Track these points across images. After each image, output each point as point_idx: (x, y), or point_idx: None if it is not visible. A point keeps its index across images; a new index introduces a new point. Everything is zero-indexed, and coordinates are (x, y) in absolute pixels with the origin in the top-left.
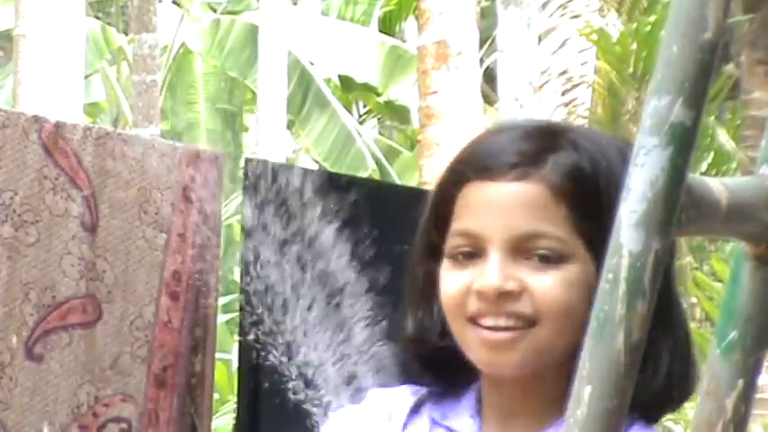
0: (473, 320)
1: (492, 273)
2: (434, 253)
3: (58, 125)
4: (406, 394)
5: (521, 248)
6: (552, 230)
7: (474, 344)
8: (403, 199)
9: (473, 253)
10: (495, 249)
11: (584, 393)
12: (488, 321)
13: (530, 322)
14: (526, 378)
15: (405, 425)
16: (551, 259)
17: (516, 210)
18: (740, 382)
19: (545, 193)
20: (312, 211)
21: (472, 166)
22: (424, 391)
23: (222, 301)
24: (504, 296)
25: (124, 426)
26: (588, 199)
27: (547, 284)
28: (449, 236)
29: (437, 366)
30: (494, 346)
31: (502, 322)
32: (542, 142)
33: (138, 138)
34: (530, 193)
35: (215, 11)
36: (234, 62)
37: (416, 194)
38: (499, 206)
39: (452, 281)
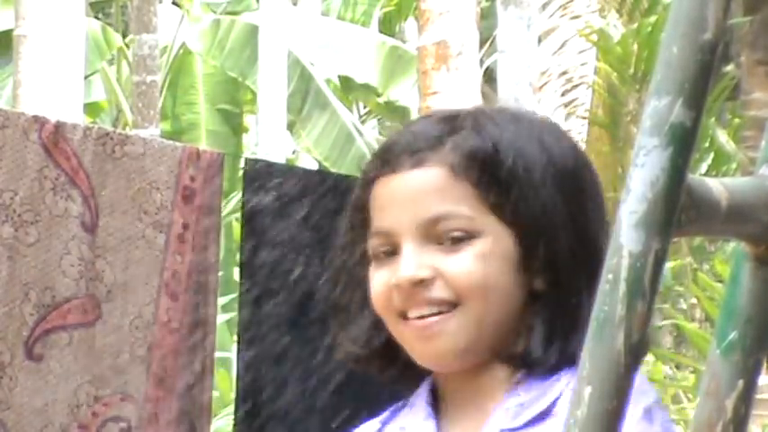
0: (402, 316)
1: (404, 265)
2: (364, 258)
3: (59, 125)
4: (373, 424)
5: (430, 234)
6: (457, 210)
7: (408, 339)
8: None
9: (392, 250)
10: (407, 241)
11: (585, 394)
12: (414, 313)
13: (452, 305)
14: (468, 368)
15: None
16: (462, 239)
17: (418, 197)
18: (740, 383)
19: (444, 175)
20: (312, 211)
21: (376, 163)
22: (386, 413)
23: (222, 301)
24: (419, 285)
25: (124, 425)
26: (493, 174)
27: (459, 264)
28: (369, 238)
29: (396, 372)
30: (424, 336)
31: (426, 311)
32: (441, 127)
33: (138, 138)
34: (428, 178)
35: (215, 11)
36: (234, 62)
37: None
38: (402, 197)
39: (377, 281)
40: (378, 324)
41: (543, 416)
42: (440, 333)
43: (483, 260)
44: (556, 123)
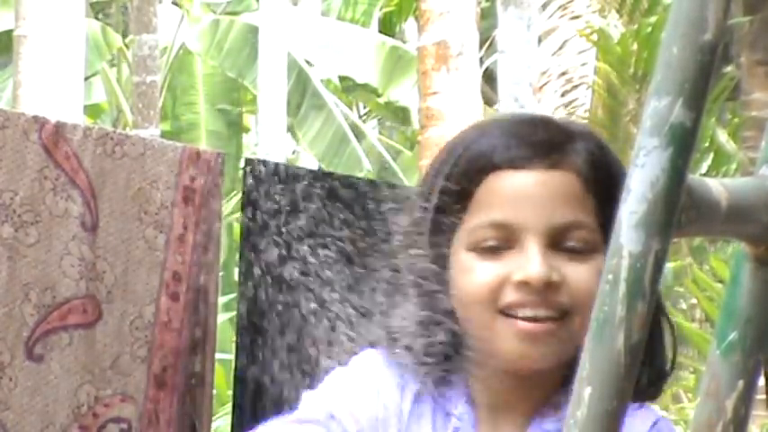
0: (505, 312)
1: (536, 263)
2: (440, 246)
3: (59, 126)
4: (393, 373)
5: (556, 239)
6: (587, 221)
7: (506, 335)
8: (401, 198)
9: (503, 245)
10: (534, 240)
11: (585, 394)
12: (527, 312)
13: (564, 314)
14: (532, 372)
15: (412, 404)
16: (584, 251)
17: (554, 199)
18: (740, 383)
19: (577, 182)
20: (313, 211)
21: (495, 156)
22: (414, 372)
23: (222, 300)
24: (548, 287)
25: (124, 426)
26: (608, 187)
27: (583, 276)
28: (470, 228)
29: (438, 356)
30: (530, 338)
31: (542, 313)
32: (558, 132)
33: (138, 138)
34: (565, 182)
35: (215, 11)
36: (233, 63)
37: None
38: (535, 195)
39: (483, 272)
40: (434, 318)
41: None
42: (546, 339)
43: (598, 277)
44: None
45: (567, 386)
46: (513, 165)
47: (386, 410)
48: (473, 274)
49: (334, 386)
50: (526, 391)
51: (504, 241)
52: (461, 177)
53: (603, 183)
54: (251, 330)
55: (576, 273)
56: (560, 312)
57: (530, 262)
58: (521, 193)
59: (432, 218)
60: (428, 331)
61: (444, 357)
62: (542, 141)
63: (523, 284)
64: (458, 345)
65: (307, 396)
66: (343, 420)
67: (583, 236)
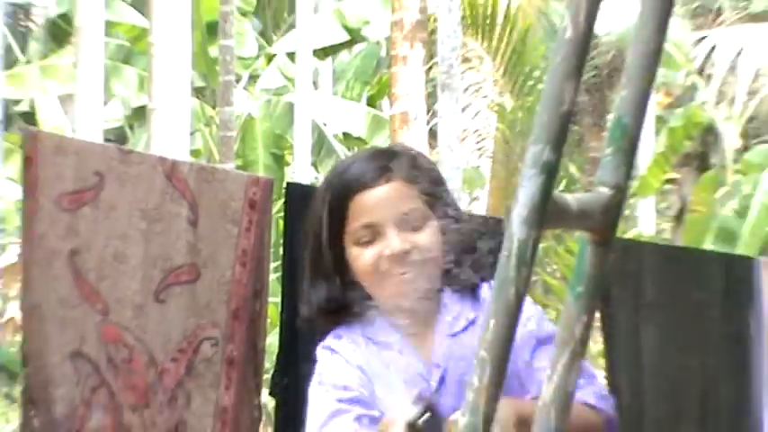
0: (385, 275)
1: (395, 242)
2: (335, 245)
3: (174, 162)
4: (355, 337)
5: (403, 223)
6: (416, 206)
7: (393, 286)
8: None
9: (373, 238)
10: (390, 228)
11: (491, 324)
12: (398, 270)
13: (424, 263)
14: (429, 288)
15: (366, 359)
16: (420, 225)
17: (394, 200)
18: (584, 317)
19: (404, 185)
20: None
21: (351, 185)
22: (343, 330)
23: (272, 266)
24: (405, 253)
25: (213, 341)
26: (424, 179)
27: (425, 239)
28: (351, 232)
29: (338, 313)
30: (406, 282)
31: (407, 269)
32: (386, 157)
33: (222, 170)
34: (397, 188)
35: (267, 93)
36: (278, 124)
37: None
38: (383, 202)
39: (366, 255)
40: (335, 293)
41: (471, 324)
42: (415, 281)
43: (434, 236)
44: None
45: (446, 295)
46: (366, 186)
47: (359, 368)
48: (361, 259)
49: (330, 378)
50: (421, 315)
51: (373, 235)
52: (339, 200)
53: (420, 177)
54: (289, 286)
55: (419, 239)
56: (423, 262)
57: (391, 242)
58: (374, 203)
59: (327, 228)
60: (333, 296)
61: (353, 310)
62: (379, 167)
63: (391, 255)
64: (363, 300)
65: (315, 391)
66: (359, 396)
67: (417, 215)
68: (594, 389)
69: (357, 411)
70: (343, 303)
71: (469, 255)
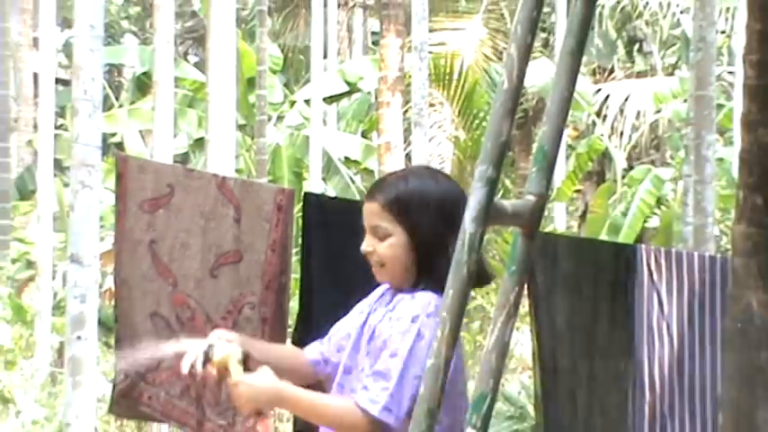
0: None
1: (364, 244)
2: None
3: (223, 177)
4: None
5: (374, 232)
6: (383, 224)
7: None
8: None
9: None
10: (368, 232)
11: (449, 293)
12: (371, 262)
13: (383, 264)
14: (393, 282)
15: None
16: (384, 236)
17: (369, 215)
18: (516, 288)
19: (379, 207)
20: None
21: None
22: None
23: (294, 250)
24: (368, 252)
25: (251, 305)
26: (401, 211)
27: (383, 248)
28: None
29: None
30: (375, 274)
31: (373, 263)
32: (382, 183)
33: (258, 182)
34: (373, 207)
35: (290, 128)
36: (298, 151)
37: None
38: (364, 214)
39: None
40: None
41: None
42: (381, 274)
43: (392, 247)
44: (438, 171)
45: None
46: (365, 200)
47: (366, 303)
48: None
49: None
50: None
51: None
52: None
53: (397, 206)
54: (305, 266)
55: (380, 247)
56: (380, 263)
57: (365, 242)
58: (364, 213)
59: None
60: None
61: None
62: (372, 188)
63: (362, 250)
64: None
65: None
66: (346, 321)
67: (381, 231)
68: (367, 392)
69: (341, 323)
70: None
71: (436, 265)
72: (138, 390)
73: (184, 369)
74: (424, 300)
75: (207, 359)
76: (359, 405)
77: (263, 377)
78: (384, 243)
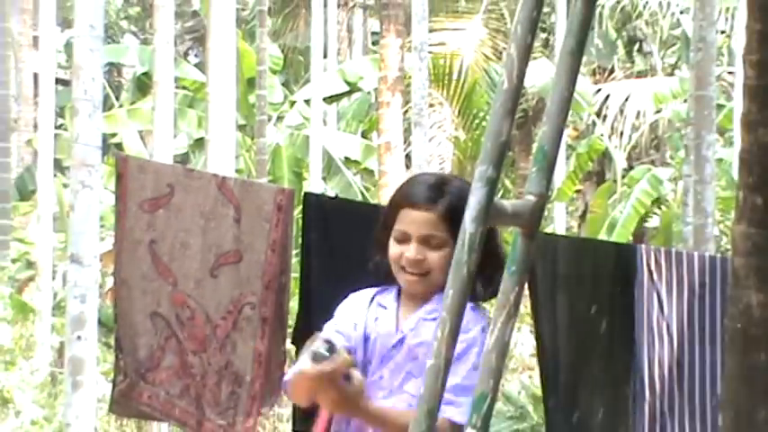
0: (402, 268)
1: (413, 251)
2: (385, 237)
3: (223, 177)
4: (368, 293)
5: (425, 240)
6: (438, 234)
7: (401, 278)
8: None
9: (405, 240)
10: (414, 240)
11: (449, 293)
12: (410, 269)
13: (427, 273)
14: (426, 290)
15: (368, 307)
16: (436, 246)
17: (423, 224)
18: (516, 288)
19: (436, 218)
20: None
21: (404, 200)
22: (377, 289)
23: (294, 252)
24: (418, 260)
25: (251, 305)
26: (454, 220)
27: (435, 257)
28: (395, 231)
29: (383, 278)
30: (411, 282)
31: (415, 271)
32: (436, 190)
33: (257, 182)
34: (430, 218)
35: (290, 128)
36: (298, 150)
37: None
38: (416, 222)
39: (396, 249)
40: (386, 262)
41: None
42: (418, 283)
43: (444, 258)
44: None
45: (436, 296)
46: (413, 206)
47: (357, 315)
48: (392, 249)
49: (337, 312)
50: (418, 297)
51: (404, 238)
52: (394, 207)
53: (452, 218)
54: (305, 266)
55: (432, 255)
56: (424, 272)
57: (411, 250)
58: (411, 219)
59: (383, 220)
60: (379, 272)
61: (386, 281)
62: (428, 196)
63: (408, 258)
64: (391, 277)
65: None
66: (342, 325)
67: (436, 241)
68: (457, 404)
69: (329, 336)
70: (382, 271)
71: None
72: (137, 389)
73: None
74: (484, 310)
75: (331, 350)
76: (452, 420)
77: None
78: (437, 253)
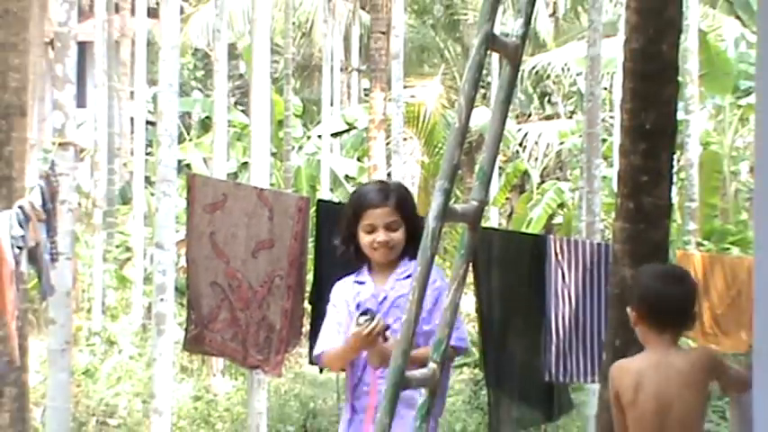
0: (375, 249)
1: (382, 236)
2: (351, 230)
3: (261, 188)
4: (347, 279)
5: (387, 227)
6: (395, 219)
7: (375, 255)
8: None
9: (371, 230)
10: (380, 228)
11: (418, 269)
12: (381, 249)
13: (393, 247)
14: (391, 261)
15: (351, 287)
16: (395, 228)
17: (385, 215)
18: (464, 266)
19: (391, 209)
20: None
21: (365, 204)
22: (352, 275)
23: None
24: (386, 241)
25: (280, 277)
26: (403, 208)
27: (396, 236)
28: (363, 226)
29: (352, 262)
30: (382, 255)
31: (385, 248)
32: (384, 192)
33: (285, 192)
34: (387, 210)
35: (308, 155)
36: (314, 170)
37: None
38: (378, 215)
39: (368, 238)
40: (357, 248)
41: (408, 276)
42: (388, 255)
43: (401, 234)
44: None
45: (402, 262)
46: (372, 206)
47: (345, 294)
48: (365, 240)
49: (332, 298)
50: (386, 267)
51: (372, 229)
52: (358, 209)
53: (403, 207)
54: (318, 251)
55: (393, 236)
56: (390, 247)
57: (381, 236)
58: (375, 216)
59: (351, 220)
60: (346, 259)
61: (355, 264)
62: (379, 197)
63: (380, 241)
64: (359, 260)
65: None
66: (338, 305)
67: (395, 225)
68: (457, 334)
69: (338, 319)
70: (352, 258)
71: (417, 242)
72: (202, 335)
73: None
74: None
75: (372, 317)
76: (458, 346)
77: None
78: (396, 233)
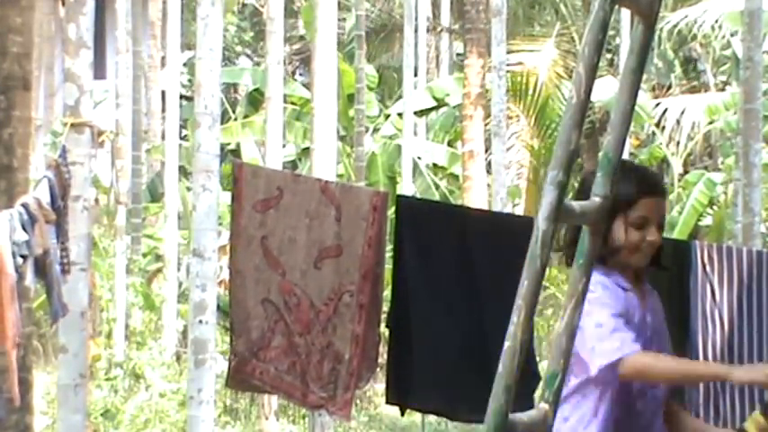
0: (641, 250)
1: (656, 235)
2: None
3: (326, 181)
4: (605, 279)
5: (659, 224)
6: (664, 215)
7: (635, 259)
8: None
9: (643, 225)
10: (653, 225)
11: (524, 283)
12: (648, 251)
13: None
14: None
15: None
16: (662, 228)
17: (662, 208)
18: (583, 279)
19: (666, 203)
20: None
21: (646, 190)
22: (600, 275)
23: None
24: (654, 244)
25: (350, 293)
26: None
27: (660, 239)
28: (632, 215)
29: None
30: (643, 260)
31: (647, 253)
32: (661, 179)
33: (356, 186)
34: (664, 202)
35: (384, 138)
36: (391, 158)
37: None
38: (657, 206)
39: (636, 235)
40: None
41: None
42: (647, 259)
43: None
44: None
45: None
46: (654, 194)
47: (624, 301)
48: (630, 236)
49: (610, 302)
50: (633, 274)
51: (644, 223)
52: (632, 194)
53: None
54: (398, 260)
55: (660, 237)
56: (652, 252)
57: (654, 234)
58: (654, 207)
59: (616, 204)
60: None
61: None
62: (662, 185)
63: (652, 242)
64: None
65: (598, 308)
66: (630, 320)
67: (662, 222)
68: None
69: (633, 333)
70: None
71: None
72: (250, 366)
73: None
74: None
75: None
76: (603, 366)
77: None
78: (660, 234)
